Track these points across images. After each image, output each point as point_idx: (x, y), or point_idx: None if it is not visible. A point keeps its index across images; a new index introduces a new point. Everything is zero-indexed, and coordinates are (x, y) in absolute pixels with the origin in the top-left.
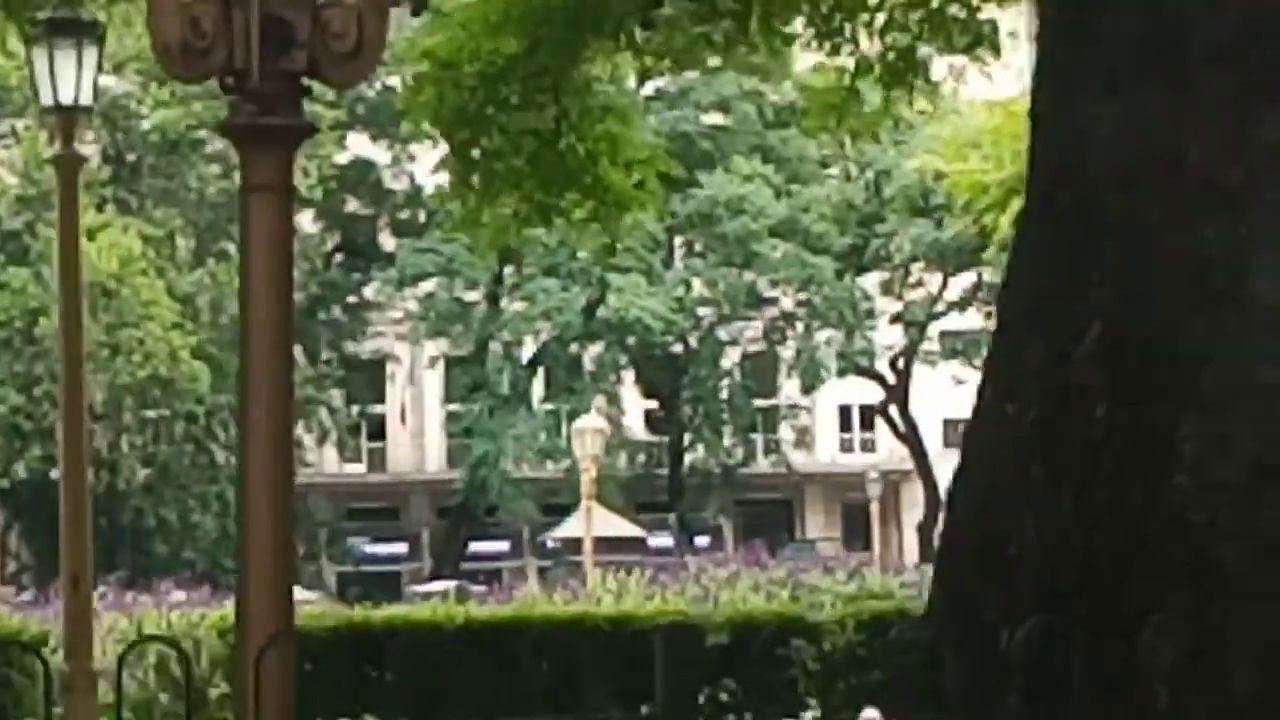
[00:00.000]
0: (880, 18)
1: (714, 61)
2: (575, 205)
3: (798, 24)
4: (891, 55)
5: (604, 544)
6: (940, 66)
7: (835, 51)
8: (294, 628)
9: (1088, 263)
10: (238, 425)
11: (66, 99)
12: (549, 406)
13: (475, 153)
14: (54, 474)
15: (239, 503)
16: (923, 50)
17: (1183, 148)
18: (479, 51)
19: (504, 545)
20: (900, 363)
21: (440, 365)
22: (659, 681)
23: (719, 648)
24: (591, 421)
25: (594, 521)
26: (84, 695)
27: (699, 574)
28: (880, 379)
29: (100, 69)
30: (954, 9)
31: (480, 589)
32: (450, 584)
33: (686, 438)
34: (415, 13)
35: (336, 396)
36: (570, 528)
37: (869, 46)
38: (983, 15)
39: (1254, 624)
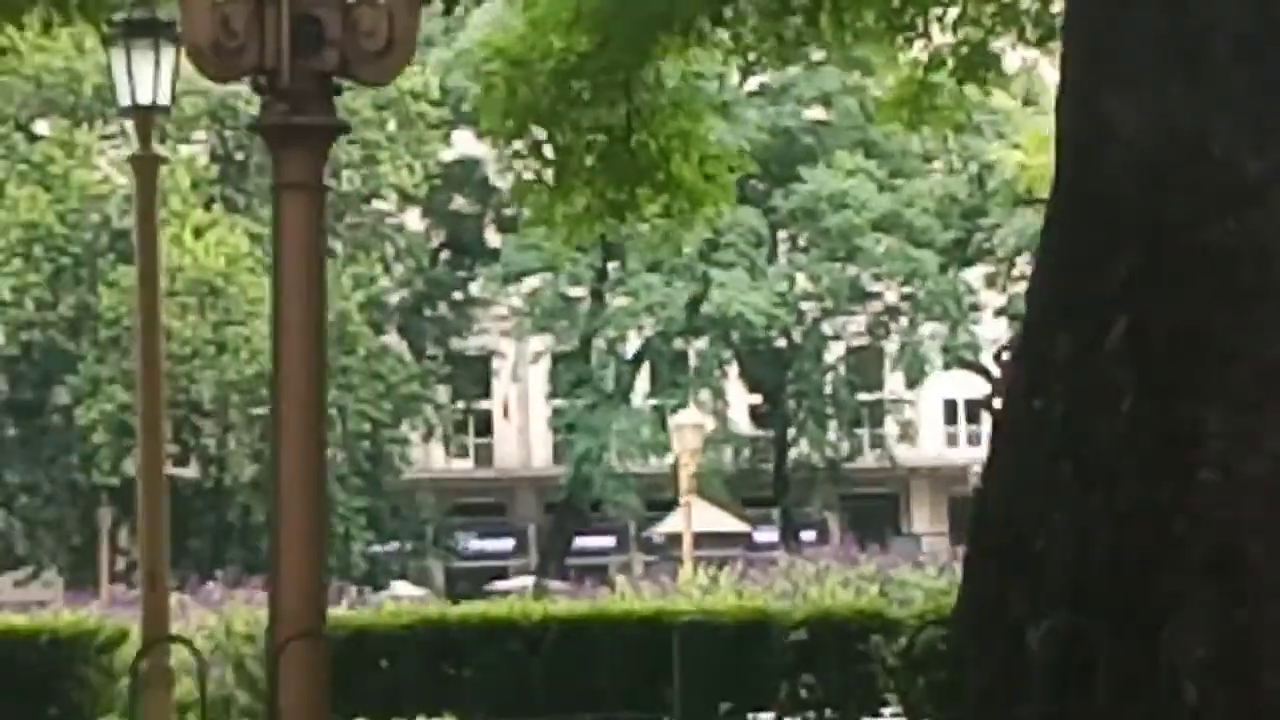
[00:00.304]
0: (953, 11)
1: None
2: (648, 201)
3: (869, 18)
4: (964, 49)
5: (706, 539)
6: (1014, 59)
7: (908, 45)
8: (323, 626)
9: (1113, 257)
10: (270, 423)
11: (144, 99)
12: (653, 402)
13: (548, 150)
14: (165, 471)
15: (271, 500)
16: (997, 43)
17: (1206, 141)
18: (550, 49)
19: (610, 540)
20: (1004, 356)
21: (545, 361)
22: (676, 678)
23: (797, 643)
24: (690, 417)
25: (696, 516)
26: (161, 693)
27: (788, 569)
28: (985, 372)
29: (178, 69)
30: (1026, 2)
31: (563, 585)
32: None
33: (791, 432)
34: (447, 11)
35: (442, 393)
36: (672, 523)
37: (941, 40)
38: (1055, 8)
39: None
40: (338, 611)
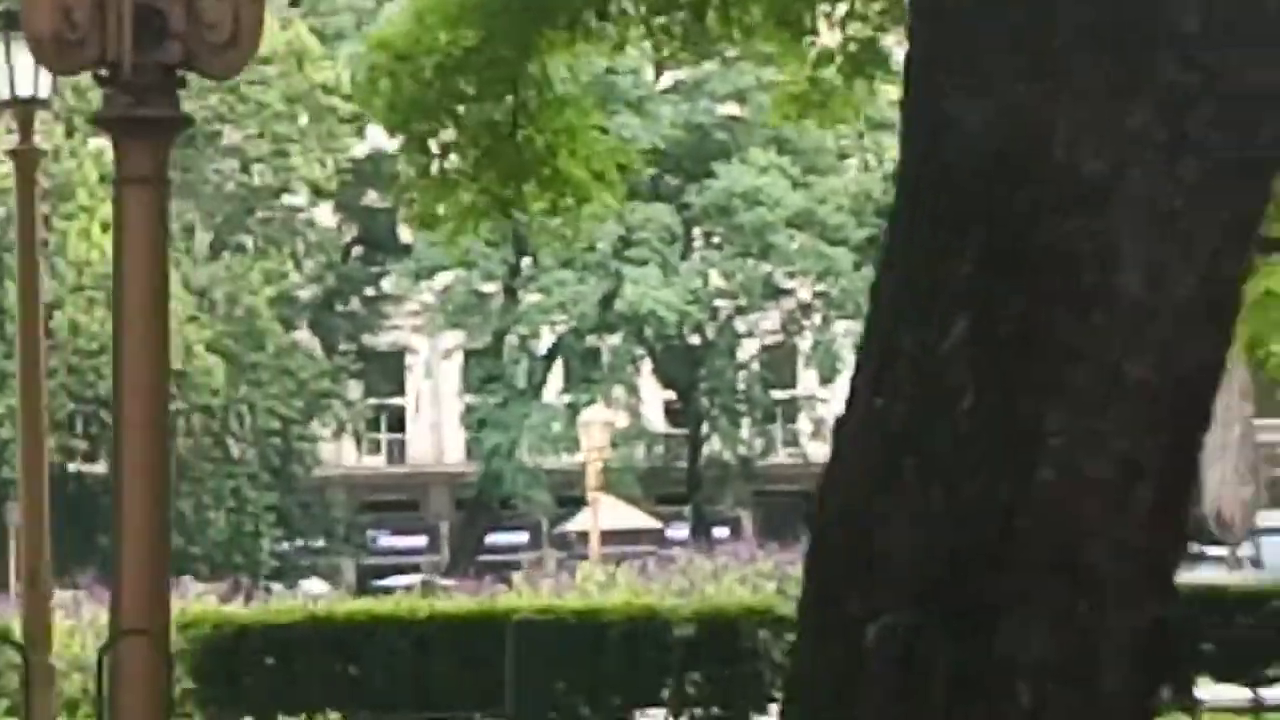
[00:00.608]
0: (841, 8)
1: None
2: (534, 198)
3: (756, 14)
4: (852, 46)
5: (616, 536)
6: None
7: (797, 41)
8: (166, 625)
9: (956, 255)
10: (112, 422)
11: (24, 92)
12: (567, 399)
13: (432, 145)
14: (71, 467)
15: (113, 498)
16: (886, 40)
17: (1049, 139)
18: (436, 43)
19: (523, 537)
20: None
21: (458, 357)
22: (509, 673)
23: (684, 640)
24: (598, 414)
25: (605, 514)
26: (43, 690)
27: (686, 566)
28: None
29: None
30: None
31: (449, 583)
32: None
33: (704, 429)
34: (295, 3)
35: (355, 389)
36: (583, 520)
37: (830, 37)
38: None
39: (1121, 623)
40: (227, 609)
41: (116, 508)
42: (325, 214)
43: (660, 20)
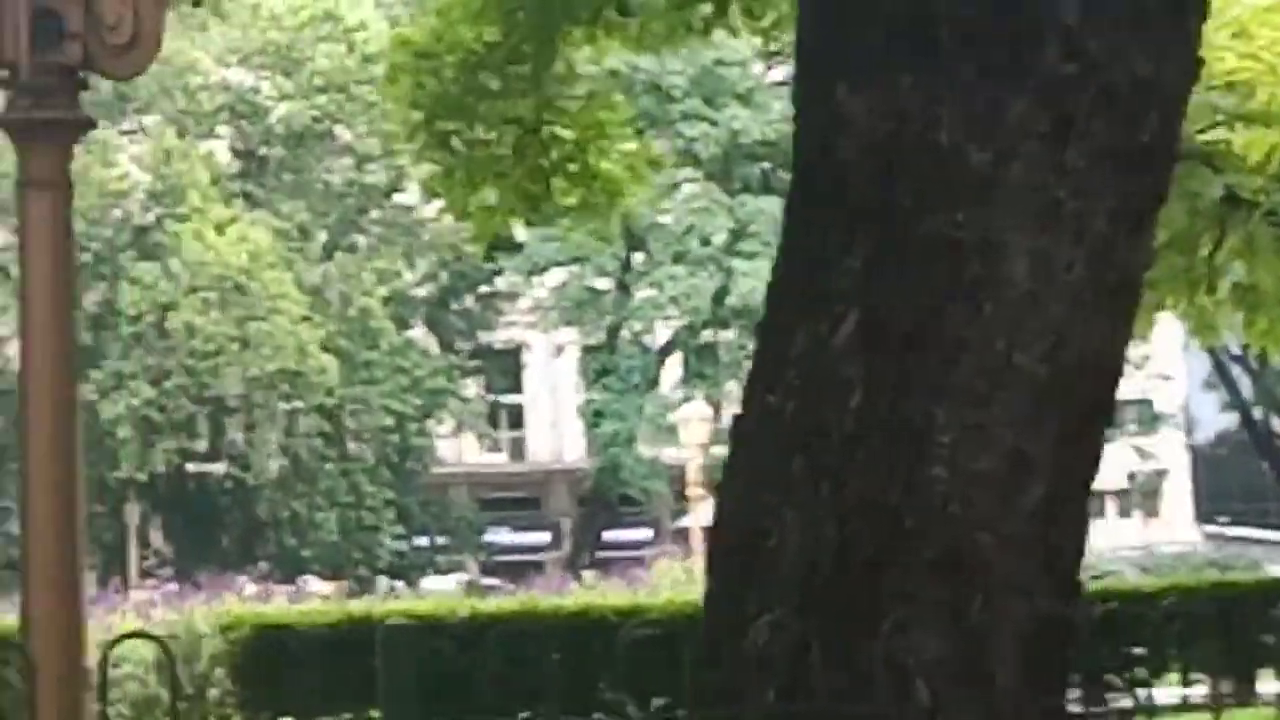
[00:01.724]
0: None
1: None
2: (563, 194)
3: (783, 6)
4: None
5: None
6: None
7: None
8: (81, 633)
9: (847, 250)
10: (18, 426)
11: None
12: (682, 394)
13: (457, 142)
14: (189, 467)
15: (20, 505)
16: None
17: (935, 131)
18: (458, 40)
19: (646, 533)
20: None
21: (573, 353)
22: (380, 679)
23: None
24: (696, 409)
25: (706, 509)
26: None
27: None
28: None
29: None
30: None
31: (494, 582)
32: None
33: None
34: (196, 3)
35: (471, 386)
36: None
37: None
38: None
39: (1014, 617)
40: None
41: (25, 518)
42: (436, 211)
43: (680, 14)
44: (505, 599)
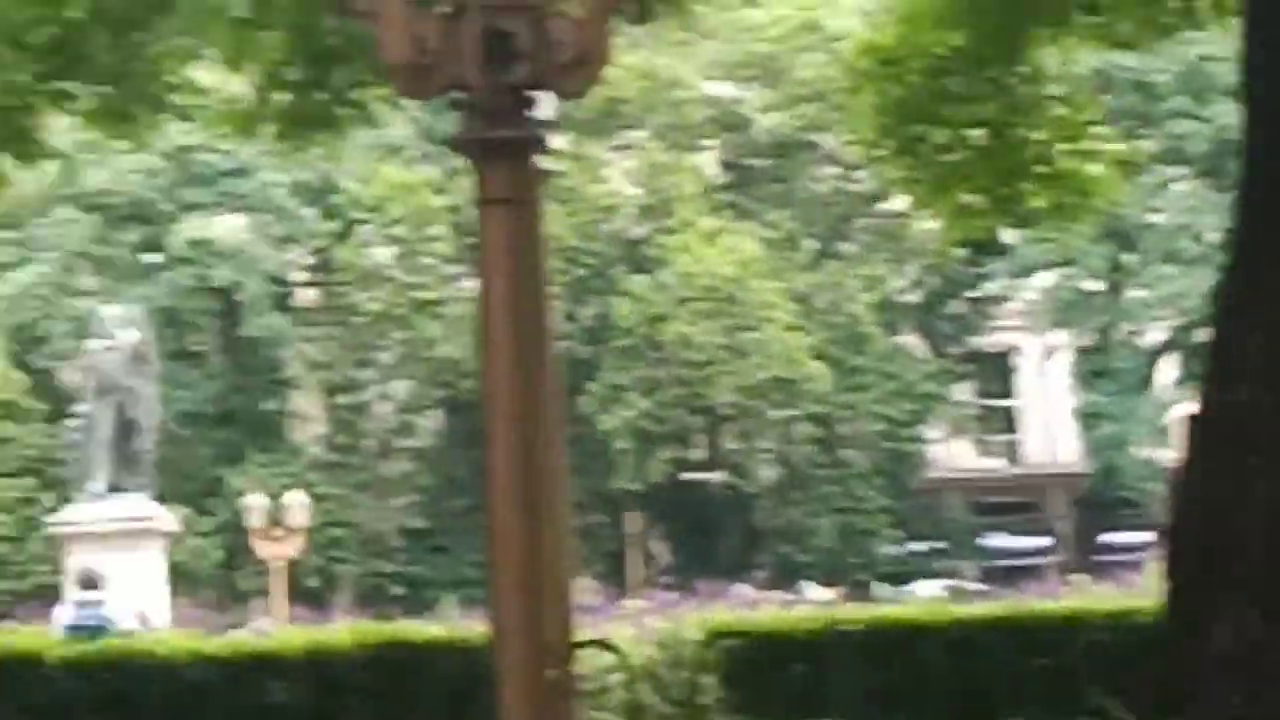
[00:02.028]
0: None
1: None
2: (1033, 196)
3: None
4: None
5: None
6: None
7: None
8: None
9: None
10: (482, 441)
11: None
12: (1178, 395)
13: (924, 147)
14: (686, 476)
15: (487, 521)
16: None
17: None
18: (924, 45)
19: (1146, 536)
20: None
21: (1065, 355)
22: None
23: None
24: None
25: None
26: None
27: None
28: None
29: None
30: None
31: (979, 587)
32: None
33: None
34: (639, 20)
35: (963, 390)
36: None
37: None
38: None
39: None
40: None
41: (490, 532)
42: (923, 218)
43: (1147, 9)
44: (990, 603)
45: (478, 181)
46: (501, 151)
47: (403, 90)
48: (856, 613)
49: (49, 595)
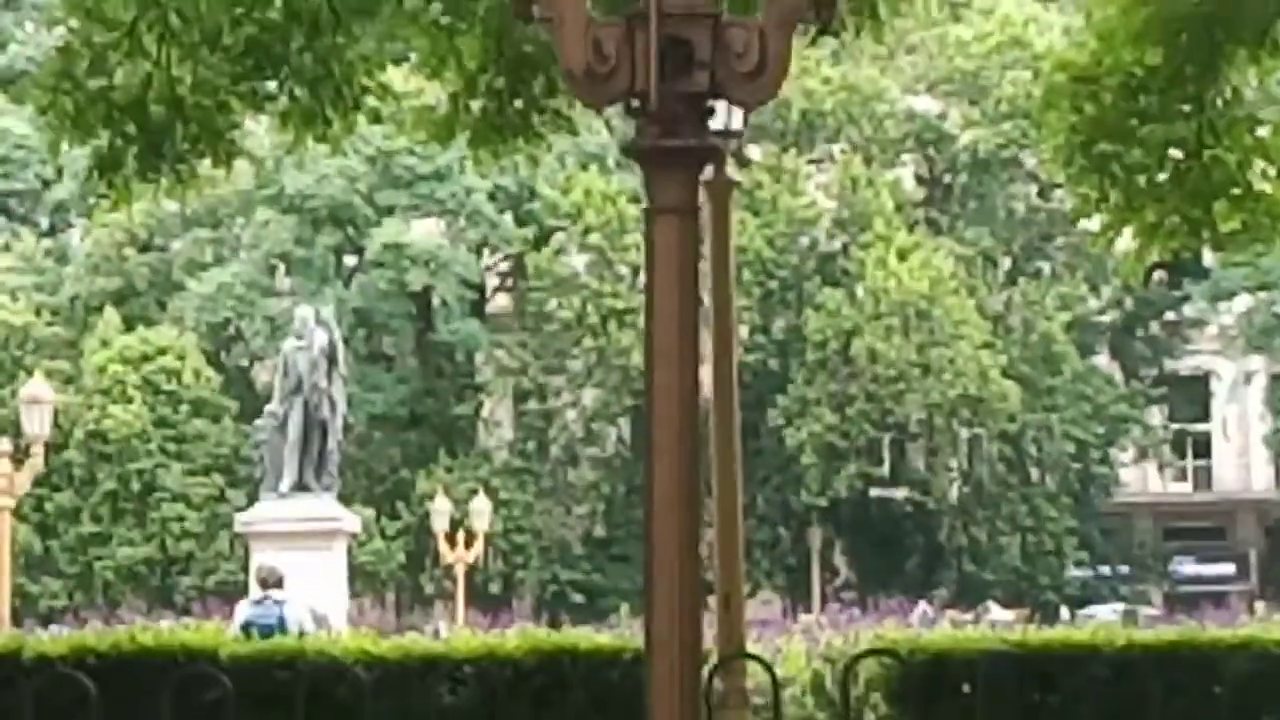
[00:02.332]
0: None
1: None
2: (1225, 218)
3: None
4: None
5: None
6: None
7: None
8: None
9: None
10: (644, 450)
11: (718, 125)
12: None
13: (1115, 167)
14: (872, 492)
15: (645, 527)
16: None
17: None
18: (1118, 62)
19: None
20: None
21: (1260, 381)
22: None
23: None
24: None
25: None
26: (737, 714)
27: None
28: None
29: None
30: None
31: (1154, 612)
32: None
33: None
34: (823, 32)
35: (1155, 413)
36: None
37: None
38: None
39: None
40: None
41: (648, 540)
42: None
43: None
44: (1165, 629)
45: (649, 190)
46: (675, 160)
47: (581, 96)
48: (1025, 635)
49: (233, 592)
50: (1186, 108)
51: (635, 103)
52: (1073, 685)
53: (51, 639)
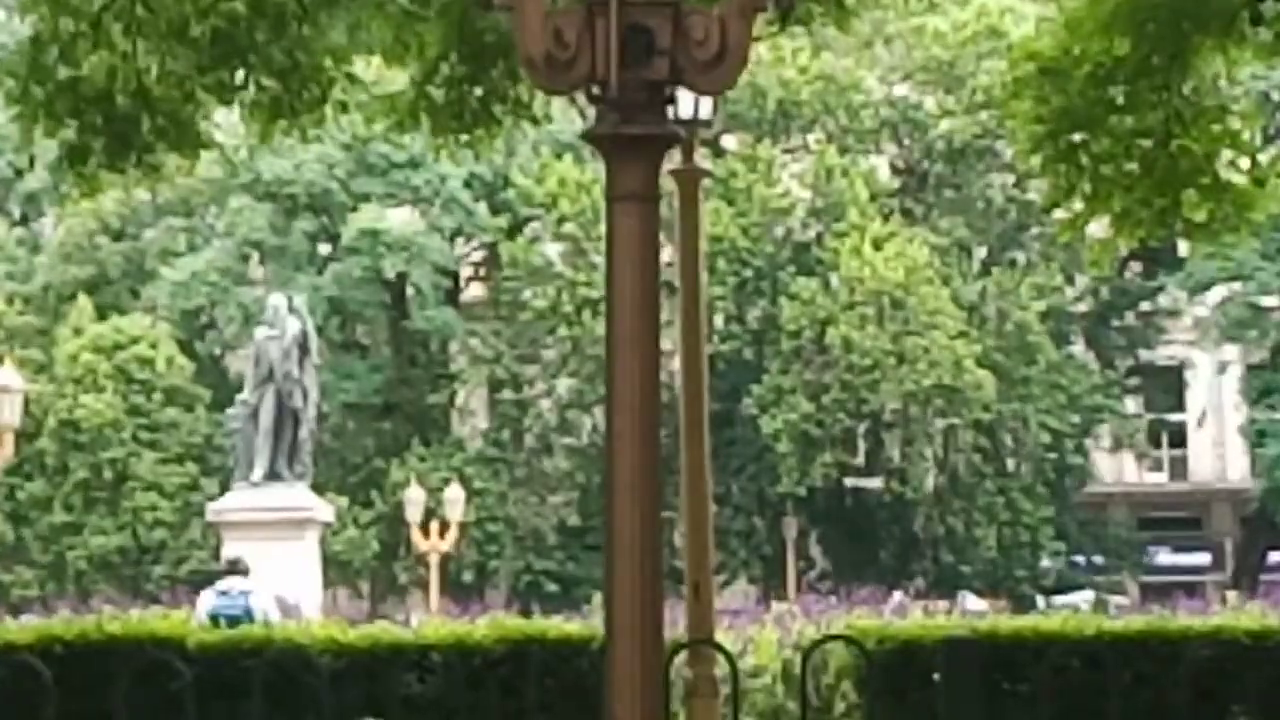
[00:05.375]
0: None
1: None
2: (1192, 208)
3: None
4: None
5: None
6: None
7: None
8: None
9: None
10: (604, 437)
11: (686, 114)
12: None
13: (1083, 156)
14: (847, 481)
15: (605, 516)
16: None
17: None
18: (1086, 53)
19: None
20: None
21: (1236, 371)
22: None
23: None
24: None
25: None
26: (706, 702)
27: None
28: None
29: None
30: None
31: (1123, 600)
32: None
33: None
34: (783, 21)
35: (1131, 403)
36: None
37: None
38: None
39: None
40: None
41: (608, 526)
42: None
43: None
44: (1133, 618)
45: (609, 177)
46: (635, 147)
47: (540, 84)
48: (994, 623)
49: (205, 582)
50: (1155, 97)
51: (596, 90)
52: (1039, 674)
53: (19, 627)
